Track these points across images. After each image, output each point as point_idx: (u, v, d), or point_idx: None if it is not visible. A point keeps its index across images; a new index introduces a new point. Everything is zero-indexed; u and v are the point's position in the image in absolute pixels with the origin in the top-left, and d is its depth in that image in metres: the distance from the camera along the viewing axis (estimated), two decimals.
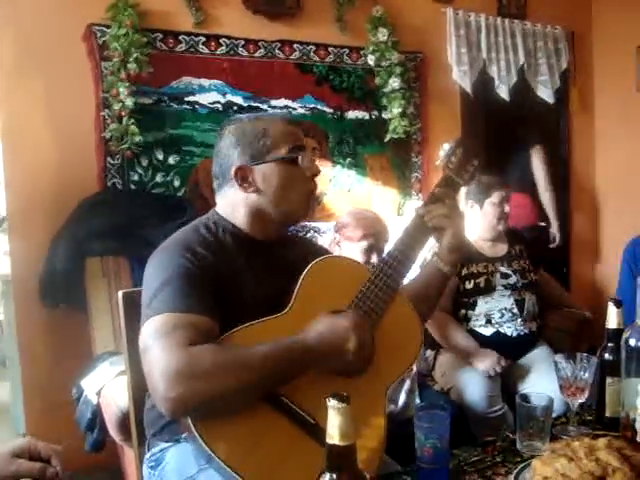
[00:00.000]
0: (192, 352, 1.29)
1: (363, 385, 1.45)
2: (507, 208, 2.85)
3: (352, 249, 2.47)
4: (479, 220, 2.86)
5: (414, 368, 2.57)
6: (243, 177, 1.54)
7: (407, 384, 2.49)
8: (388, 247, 1.66)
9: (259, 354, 1.32)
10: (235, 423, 1.32)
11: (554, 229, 4.23)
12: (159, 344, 1.30)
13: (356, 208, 3.02)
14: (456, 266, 1.70)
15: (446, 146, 1.66)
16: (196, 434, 1.27)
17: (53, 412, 2.92)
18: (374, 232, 2.47)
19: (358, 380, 1.45)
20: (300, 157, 1.56)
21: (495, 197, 2.83)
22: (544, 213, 4.26)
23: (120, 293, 1.85)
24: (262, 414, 1.34)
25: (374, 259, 2.41)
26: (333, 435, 0.96)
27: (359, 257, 2.40)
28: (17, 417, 3.28)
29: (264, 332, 1.40)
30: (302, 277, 1.50)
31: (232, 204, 1.59)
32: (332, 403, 0.95)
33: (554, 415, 1.57)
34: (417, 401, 2.53)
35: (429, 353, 2.86)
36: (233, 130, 1.58)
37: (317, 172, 1.60)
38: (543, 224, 4.24)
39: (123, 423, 2.23)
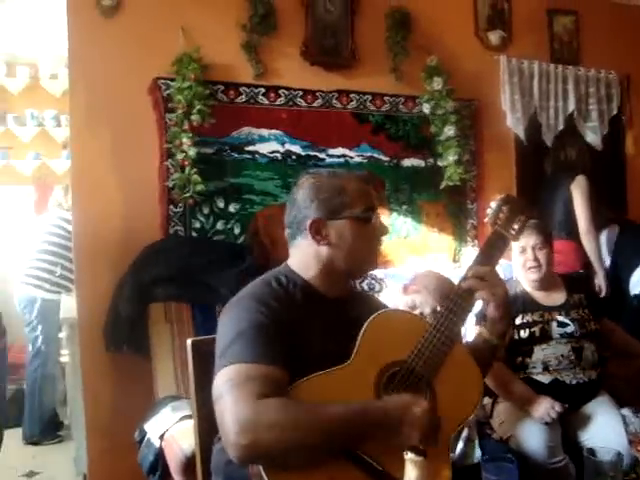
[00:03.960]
0: (262, 404, 1.33)
1: None
2: (541, 256, 2.76)
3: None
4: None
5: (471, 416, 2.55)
6: (317, 230, 1.61)
7: (465, 432, 2.47)
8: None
9: (328, 415, 1.36)
10: (304, 471, 1.35)
11: (600, 278, 3.79)
12: (231, 394, 1.36)
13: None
14: (503, 337, 1.72)
15: (493, 204, 1.73)
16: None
17: (115, 453, 2.98)
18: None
19: None
20: (373, 217, 1.63)
21: (520, 243, 2.77)
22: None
23: (189, 341, 1.90)
24: (330, 461, 1.37)
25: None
26: None
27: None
28: (80, 457, 3.35)
29: (327, 383, 1.44)
30: (363, 330, 1.55)
31: (304, 256, 1.66)
32: (410, 456, 0.97)
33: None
34: (477, 450, 2.51)
35: (486, 401, 2.82)
36: (311, 183, 1.65)
37: (386, 232, 1.68)
38: (581, 271, 3.77)
39: (186, 467, 2.27)
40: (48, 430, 4.28)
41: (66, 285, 4.30)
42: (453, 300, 1.61)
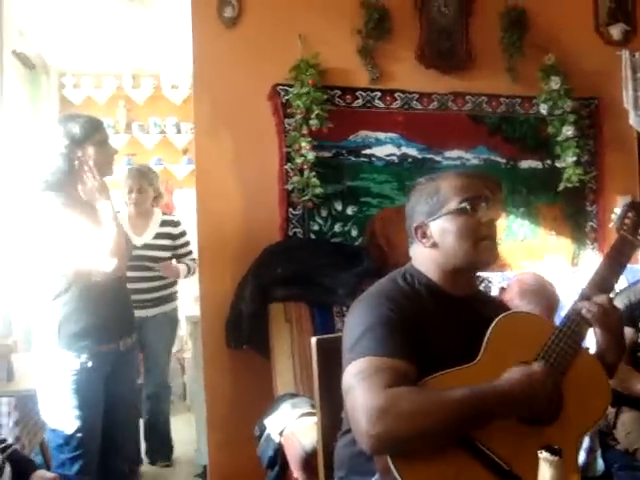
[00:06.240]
0: (393, 393, 1.37)
1: (554, 436, 1.45)
2: None
3: None
4: None
5: None
6: (422, 234, 1.65)
7: (587, 442, 2.40)
8: None
9: (456, 398, 1.39)
10: (431, 465, 1.38)
11: None
12: (362, 385, 1.40)
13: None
14: (616, 365, 1.69)
15: (617, 209, 1.70)
16: (395, 473, 1.35)
17: (235, 447, 3.09)
18: None
19: (549, 430, 1.48)
20: (468, 206, 1.61)
21: None
22: None
23: (313, 339, 1.96)
24: (457, 458, 1.39)
25: None
26: None
27: None
28: (201, 449, 3.49)
29: (455, 380, 1.46)
30: (490, 330, 1.56)
31: (422, 260, 1.69)
32: (544, 455, 0.97)
33: None
34: (600, 461, 2.44)
35: (609, 410, 2.73)
36: (413, 193, 1.71)
37: (496, 217, 1.65)
38: None
39: (307, 462, 2.32)
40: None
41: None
42: (570, 317, 1.60)
